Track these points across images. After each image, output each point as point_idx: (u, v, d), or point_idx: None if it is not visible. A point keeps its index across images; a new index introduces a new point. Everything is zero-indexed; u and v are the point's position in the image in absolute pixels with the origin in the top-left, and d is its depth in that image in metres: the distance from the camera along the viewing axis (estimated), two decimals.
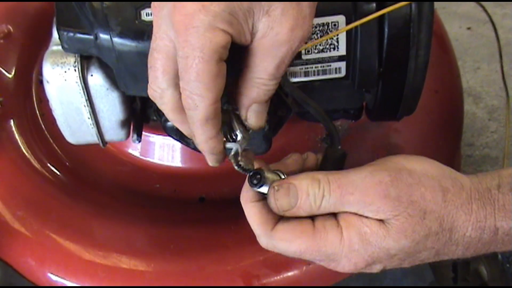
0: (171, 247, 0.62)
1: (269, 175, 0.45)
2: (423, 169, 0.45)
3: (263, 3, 0.38)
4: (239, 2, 0.37)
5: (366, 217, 0.44)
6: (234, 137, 0.45)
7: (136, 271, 0.63)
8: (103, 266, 0.63)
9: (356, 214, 0.44)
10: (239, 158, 0.44)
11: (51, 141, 0.72)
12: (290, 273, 0.62)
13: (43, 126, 0.73)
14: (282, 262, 0.62)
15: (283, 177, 0.45)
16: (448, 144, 0.70)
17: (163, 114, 0.55)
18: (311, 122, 0.67)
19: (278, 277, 0.63)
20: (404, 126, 0.65)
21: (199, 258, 0.61)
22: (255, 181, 0.44)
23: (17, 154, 0.70)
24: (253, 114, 0.44)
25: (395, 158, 0.46)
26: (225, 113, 0.44)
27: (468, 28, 1.18)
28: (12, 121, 0.72)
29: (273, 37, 0.39)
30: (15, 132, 0.71)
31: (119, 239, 0.65)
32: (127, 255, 0.63)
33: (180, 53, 0.39)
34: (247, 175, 0.45)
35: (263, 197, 0.45)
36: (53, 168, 0.71)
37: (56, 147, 0.72)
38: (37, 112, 0.74)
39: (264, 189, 0.45)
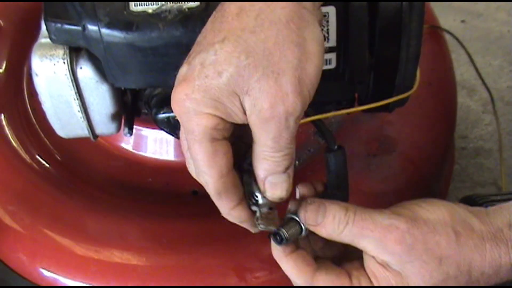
0: (164, 241, 0.61)
1: (290, 232, 0.46)
2: (436, 217, 0.47)
3: (241, 84, 0.40)
4: (218, 87, 0.40)
5: (387, 266, 0.46)
6: (255, 200, 0.45)
7: (128, 265, 0.62)
8: (95, 261, 0.63)
9: (379, 263, 0.46)
10: (259, 221, 0.45)
11: (42, 135, 0.72)
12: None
13: (34, 121, 0.73)
14: None
15: (303, 227, 0.47)
16: (441, 136, 0.70)
17: (153, 106, 0.55)
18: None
19: (271, 271, 0.62)
20: (397, 118, 0.65)
21: (191, 251, 0.61)
22: (278, 240, 0.46)
23: (8, 149, 0.70)
24: (269, 186, 0.44)
25: (410, 206, 0.48)
26: (250, 174, 0.45)
27: (463, 21, 1.17)
28: (2, 115, 0.72)
29: (258, 114, 0.41)
30: (5, 126, 0.71)
31: (111, 233, 0.65)
32: (119, 249, 0.63)
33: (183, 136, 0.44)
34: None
35: (295, 249, 0.47)
36: (44, 163, 0.70)
37: (48, 142, 0.72)
38: (28, 106, 0.73)
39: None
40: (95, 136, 0.58)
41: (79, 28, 0.49)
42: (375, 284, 0.46)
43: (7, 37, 0.75)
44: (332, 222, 0.46)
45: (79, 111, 0.55)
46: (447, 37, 0.79)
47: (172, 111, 0.53)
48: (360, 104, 0.61)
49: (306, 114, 0.57)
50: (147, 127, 0.70)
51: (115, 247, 0.63)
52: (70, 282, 0.63)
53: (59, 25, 0.49)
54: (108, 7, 0.47)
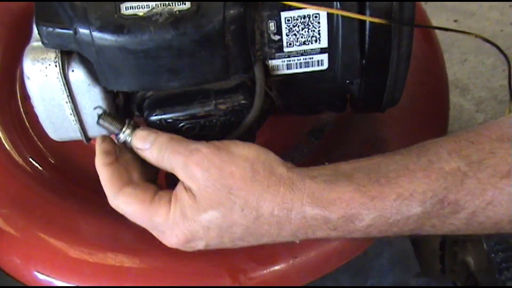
0: (157, 243, 0.61)
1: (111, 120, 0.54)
2: (241, 152, 0.49)
3: None
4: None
5: (189, 190, 0.49)
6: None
7: (122, 268, 0.62)
8: (89, 263, 0.63)
9: (184, 187, 0.49)
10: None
11: (36, 139, 0.72)
12: (276, 267, 0.62)
13: (27, 124, 0.72)
14: (268, 255, 0.62)
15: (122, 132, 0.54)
16: (434, 136, 0.70)
17: (145, 108, 0.55)
18: (296, 116, 0.66)
19: (265, 271, 0.62)
20: (390, 118, 0.65)
21: (185, 253, 0.60)
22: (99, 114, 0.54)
23: (1, 152, 0.69)
24: None
25: (229, 141, 0.51)
26: None
27: (455, 21, 1.18)
28: None
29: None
30: None
31: (105, 235, 0.65)
32: (113, 252, 0.63)
33: None
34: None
35: (114, 162, 0.52)
36: (37, 165, 0.70)
37: (41, 145, 0.72)
38: (21, 110, 0.73)
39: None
40: (88, 139, 0.58)
41: (70, 32, 0.49)
42: (172, 204, 0.50)
43: (0, 39, 0.75)
44: (158, 148, 0.50)
45: (71, 114, 0.55)
46: (440, 36, 0.79)
47: (164, 113, 0.53)
48: (352, 105, 0.61)
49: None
50: None
51: (109, 249, 0.63)
52: (64, 285, 0.63)
53: (50, 29, 0.49)
54: (99, 10, 0.47)
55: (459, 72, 1.03)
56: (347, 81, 0.56)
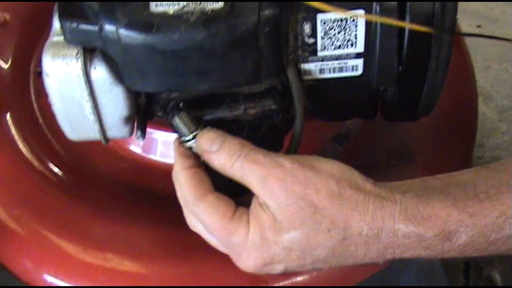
0: (175, 250, 0.59)
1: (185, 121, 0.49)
2: (325, 168, 0.46)
3: None
4: None
5: (267, 208, 0.45)
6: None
7: (138, 274, 0.60)
8: (103, 268, 0.60)
9: (259, 204, 0.45)
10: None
11: (49, 136, 0.69)
12: (299, 278, 0.60)
13: (40, 120, 0.70)
14: None
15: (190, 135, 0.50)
16: (462, 145, 0.68)
17: (170, 110, 0.52)
18: (321, 121, 0.64)
19: (287, 282, 0.60)
20: (417, 126, 0.63)
21: (204, 261, 0.58)
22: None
23: (13, 150, 0.67)
24: None
25: (310, 156, 0.47)
26: None
27: (478, 26, 1.15)
28: (8, 114, 0.69)
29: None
30: (11, 126, 0.68)
31: (120, 240, 0.62)
32: (128, 257, 0.60)
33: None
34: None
35: (195, 166, 0.48)
36: (51, 165, 0.68)
37: (55, 142, 0.69)
38: (35, 105, 0.71)
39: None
40: (106, 139, 0.56)
41: (95, 28, 0.46)
42: (251, 225, 0.46)
43: (14, 32, 0.72)
44: (227, 153, 0.46)
45: (91, 114, 0.53)
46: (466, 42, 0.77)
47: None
48: (384, 113, 0.59)
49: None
50: (157, 129, 0.68)
51: (124, 254, 0.61)
52: None
53: (74, 24, 0.46)
54: (127, 7, 0.45)
55: (482, 80, 1.01)
56: (382, 88, 0.53)
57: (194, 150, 0.50)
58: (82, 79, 0.50)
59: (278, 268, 0.47)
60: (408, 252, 0.45)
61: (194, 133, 0.49)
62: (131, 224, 0.63)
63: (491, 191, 0.44)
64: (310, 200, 0.44)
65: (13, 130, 0.68)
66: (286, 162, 0.45)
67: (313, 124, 0.67)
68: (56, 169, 0.68)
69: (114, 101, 0.52)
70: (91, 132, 0.55)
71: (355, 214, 0.44)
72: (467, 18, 1.15)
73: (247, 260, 0.47)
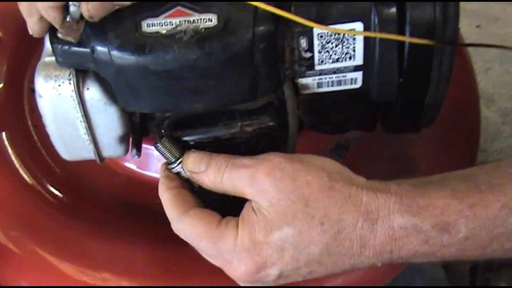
0: (174, 268, 0.58)
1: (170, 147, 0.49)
2: (315, 161, 0.44)
3: None
4: None
5: (258, 210, 0.44)
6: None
7: None
8: None
9: (252, 207, 0.44)
10: (60, 29, 0.44)
11: (45, 154, 0.68)
12: None
13: (35, 138, 0.69)
14: (294, 284, 0.58)
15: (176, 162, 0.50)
16: (466, 152, 0.66)
17: (165, 129, 0.51)
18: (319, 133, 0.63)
19: None
20: (419, 135, 0.61)
21: (204, 279, 0.57)
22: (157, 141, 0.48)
23: (9, 170, 0.66)
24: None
25: (296, 154, 0.47)
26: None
27: (477, 26, 1.14)
28: (3, 134, 0.68)
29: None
30: (7, 145, 0.67)
31: (117, 259, 0.61)
32: (126, 277, 0.59)
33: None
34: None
35: (179, 186, 0.48)
36: (48, 184, 0.67)
37: (50, 161, 0.68)
38: (29, 123, 0.69)
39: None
40: (102, 159, 0.55)
41: (87, 50, 0.45)
42: (240, 228, 0.44)
43: (6, 49, 0.71)
44: (214, 168, 0.46)
45: (85, 134, 0.52)
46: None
47: (185, 135, 0.50)
48: (384, 125, 0.57)
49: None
50: (152, 145, 0.66)
51: (122, 274, 0.60)
52: None
53: (66, 47, 0.45)
54: (118, 28, 0.43)
55: (483, 82, 0.99)
56: (382, 101, 0.52)
57: (183, 174, 0.49)
58: (75, 100, 0.49)
59: (272, 273, 0.45)
60: (406, 248, 0.43)
61: (179, 158, 0.49)
62: (129, 242, 0.62)
63: (494, 182, 0.42)
64: (301, 193, 0.43)
65: (9, 150, 0.67)
66: (272, 157, 0.45)
67: (311, 135, 0.67)
68: (52, 188, 0.67)
69: (108, 121, 0.51)
70: (86, 152, 0.54)
71: (348, 205, 0.42)
72: (466, 18, 1.13)
73: (238, 266, 0.45)
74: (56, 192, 0.67)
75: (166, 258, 0.60)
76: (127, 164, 0.69)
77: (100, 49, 0.44)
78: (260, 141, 0.50)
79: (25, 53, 0.71)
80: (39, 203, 0.64)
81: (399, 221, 0.42)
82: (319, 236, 0.43)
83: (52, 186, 0.67)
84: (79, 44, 0.45)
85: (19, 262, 0.60)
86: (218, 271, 0.57)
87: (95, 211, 0.65)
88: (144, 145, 0.65)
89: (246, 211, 0.45)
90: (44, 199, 0.65)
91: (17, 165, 0.66)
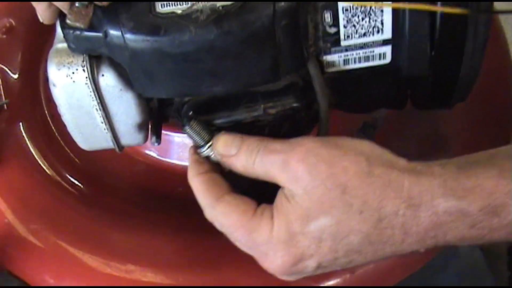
0: (200, 258, 0.56)
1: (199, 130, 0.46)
2: (352, 145, 0.42)
3: None
4: None
5: (293, 198, 0.41)
6: None
7: (162, 286, 0.57)
8: (127, 281, 0.58)
9: (284, 194, 0.42)
10: (68, 16, 0.42)
11: (63, 144, 0.67)
12: (330, 282, 0.57)
13: (53, 128, 0.67)
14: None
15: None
16: (501, 130, 0.63)
17: (184, 114, 0.49)
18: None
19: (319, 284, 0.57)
20: (450, 113, 0.58)
21: (231, 270, 0.55)
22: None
23: (28, 161, 0.65)
24: None
25: (331, 137, 0.44)
26: None
27: None
28: (21, 124, 0.66)
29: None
30: (25, 136, 0.66)
31: (141, 250, 0.59)
32: (151, 268, 0.58)
33: None
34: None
35: (209, 170, 0.46)
36: (67, 175, 0.65)
37: (69, 151, 0.66)
38: (46, 113, 0.68)
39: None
40: (120, 147, 0.53)
41: (100, 34, 0.43)
42: (275, 219, 0.42)
43: (20, 38, 0.69)
44: (246, 153, 0.43)
45: (102, 122, 0.50)
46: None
47: (206, 120, 0.48)
48: (415, 101, 0.54)
49: None
50: (173, 131, 0.65)
51: (146, 265, 0.58)
52: None
53: (78, 32, 0.43)
54: (131, 9, 0.41)
55: None
56: (414, 76, 0.49)
57: (213, 158, 0.46)
58: (90, 88, 0.47)
59: (310, 265, 0.42)
60: (451, 233, 0.40)
61: (208, 141, 0.46)
62: (153, 232, 0.60)
63: None
64: (337, 180, 0.40)
65: (27, 141, 0.66)
66: (306, 142, 0.42)
67: (336, 113, 0.64)
68: (72, 179, 0.65)
69: (126, 108, 0.49)
70: (104, 141, 0.52)
71: (389, 192, 0.40)
72: None
73: (274, 259, 0.43)
74: (76, 183, 0.65)
75: (192, 247, 0.59)
76: (147, 152, 0.67)
77: (113, 32, 0.42)
78: (284, 123, 0.48)
79: (40, 41, 0.69)
80: (59, 194, 0.63)
81: (444, 205, 0.39)
82: (359, 225, 0.40)
83: (71, 176, 0.65)
84: (91, 28, 0.43)
85: (41, 255, 0.59)
86: (248, 261, 0.56)
87: (117, 201, 0.64)
88: (164, 132, 0.64)
89: (279, 200, 0.43)
90: (64, 190, 0.64)
91: (36, 156, 0.65)
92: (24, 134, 0.66)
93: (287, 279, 0.45)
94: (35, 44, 0.69)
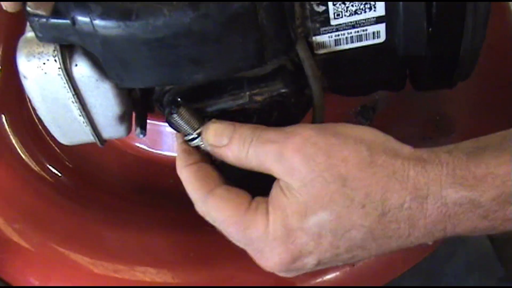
0: (192, 255, 0.53)
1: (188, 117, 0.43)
2: (352, 133, 0.39)
3: None
4: None
5: (289, 191, 0.38)
6: None
7: (155, 284, 0.55)
8: (117, 280, 0.55)
9: (280, 187, 0.39)
10: None
11: (48, 138, 0.64)
12: (329, 276, 0.54)
13: (38, 123, 0.64)
14: None
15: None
16: (508, 110, 0.59)
17: (166, 104, 0.46)
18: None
19: (317, 281, 0.54)
20: (455, 92, 0.55)
21: (225, 266, 0.53)
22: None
23: (12, 156, 0.62)
24: None
25: (332, 123, 0.40)
26: None
27: None
28: (3, 117, 0.63)
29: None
30: (7, 129, 0.63)
31: (133, 248, 0.57)
32: (143, 267, 0.55)
33: None
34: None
35: (198, 160, 0.43)
36: (53, 169, 0.62)
37: (54, 145, 0.64)
38: (30, 106, 0.65)
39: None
40: (102, 141, 0.50)
41: (67, 21, 0.39)
42: (270, 214, 0.39)
43: (1, 30, 0.66)
44: (238, 142, 0.40)
45: (80, 115, 0.47)
46: None
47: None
48: (414, 82, 0.51)
49: None
50: (162, 121, 0.61)
51: (138, 263, 0.55)
52: None
53: (43, 20, 0.40)
54: None
55: None
56: (411, 56, 0.45)
57: (203, 148, 0.43)
58: (63, 79, 0.44)
59: (309, 262, 0.40)
60: (462, 225, 0.37)
61: (198, 130, 0.43)
62: (144, 228, 0.58)
63: None
64: (337, 172, 0.37)
65: (10, 134, 0.63)
66: (302, 130, 0.39)
67: (332, 97, 0.60)
68: (58, 174, 0.62)
69: (104, 99, 0.46)
70: (84, 135, 0.49)
71: (393, 183, 0.37)
72: None
73: (271, 257, 0.40)
74: (63, 178, 0.63)
75: (183, 244, 0.56)
76: (137, 144, 0.64)
77: (81, 19, 0.39)
78: (272, 111, 0.45)
79: (22, 33, 0.66)
80: (44, 190, 0.61)
81: (453, 196, 0.36)
82: (361, 220, 0.37)
83: (57, 171, 0.63)
84: (57, 15, 0.39)
85: (25, 256, 0.57)
86: (244, 257, 0.53)
87: (105, 196, 0.61)
88: (153, 122, 0.61)
89: (275, 192, 0.40)
90: (49, 186, 0.61)
91: (19, 150, 0.62)
92: (7, 127, 0.63)
93: (285, 276, 0.42)
94: (17, 36, 0.66)
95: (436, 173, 0.36)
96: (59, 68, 0.43)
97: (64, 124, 0.48)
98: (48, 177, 0.62)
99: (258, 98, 0.44)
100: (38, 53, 0.44)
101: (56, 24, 0.40)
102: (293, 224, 0.38)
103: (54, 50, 0.43)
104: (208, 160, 0.44)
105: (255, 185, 0.42)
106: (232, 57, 0.41)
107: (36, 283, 0.56)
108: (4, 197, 0.59)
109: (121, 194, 0.61)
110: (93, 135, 0.49)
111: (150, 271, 0.54)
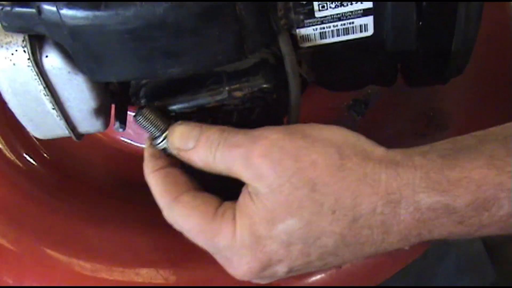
0: (173, 255, 0.51)
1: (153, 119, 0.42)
2: (321, 135, 0.37)
3: None
4: None
5: (257, 196, 0.37)
6: None
7: (134, 284, 0.53)
8: (95, 280, 0.53)
9: (249, 192, 0.38)
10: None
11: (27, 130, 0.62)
12: (315, 278, 0.52)
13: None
14: None
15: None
16: (503, 105, 0.57)
17: (142, 99, 0.44)
18: None
19: (302, 283, 0.52)
20: (449, 86, 0.53)
21: (214, 266, 0.50)
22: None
23: None
24: None
25: (300, 124, 0.39)
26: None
27: None
28: None
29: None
30: None
31: (112, 246, 0.55)
32: (122, 266, 0.53)
33: None
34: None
35: (166, 165, 0.41)
36: (31, 161, 0.60)
37: (34, 138, 0.61)
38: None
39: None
40: (78, 135, 0.48)
41: (33, 10, 0.37)
42: (237, 221, 0.38)
43: None
44: (205, 146, 0.39)
45: (53, 109, 0.45)
46: None
47: (167, 105, 0.42)
48: (406, 77, 0.49)
49: None
50: None
51: (117, 262, 0.54)
52: None
53: (8, 8, 0.38)
54: None
55: None
56: (400, 49, 0.43)
57: (170, 151, 0.41)
58: (34, 71, 0.42)
59: (280, 270, 0.39)
60: (437, 231, 0.36)
61: (165, 132, 0.41)
62: (127, 226, 0.56)
63: None
64: (305, 176, 0.36)
65: None
66: (269, 133, 0.37)
67: (323, 91, 0.58)
68: (37, 167, 0.60)
69: (78, 93, 0.44)
70: (58, 129, 0.47)
71: (364, 187, 0.35)
72: None
73: (239, 266, 0.39)
74: (42, 171, 0.60)
75: (167, 243, 0.54)
76: (121, 137, 0.62)
77: (47, 8, 0.37)
78: (254, 107, 0.43)
79: None
80: (22, 185, 0.58)
81: (427, 201, 0.35)
82: (331, 226, 0.36)
83: (37, 163, 0.60)
84: (22, 3, 0.37)
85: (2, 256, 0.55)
86: None
87: (85, 190, 0.59)
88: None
89: (243, 198, 0.38)
90: (28, 181, 0.59)
91: None
92: None
93: (258, 282, 0.41)
94: None
95: (409, 176, 0.35)
96: (28, 59, 0.41)
97: (37, 117, 0.46)
98: (26, 170, 0.60)
99: (238, 93, 0.42)
100: (6, 43, 0.41)
101: (21, 12, 0.38)
102: (261, 231, 0.37)
103: (23, 40, 0.41)
104: (178, 163, 0.42)
105: (226, 188, 0.40)
106: (210, 50, 0.38)
107: (10, 282, 0.54)
108: None
109: (102, 189, 0.59)
110: (68, 129, 0.47)
111: (129, 271, 0.53)
